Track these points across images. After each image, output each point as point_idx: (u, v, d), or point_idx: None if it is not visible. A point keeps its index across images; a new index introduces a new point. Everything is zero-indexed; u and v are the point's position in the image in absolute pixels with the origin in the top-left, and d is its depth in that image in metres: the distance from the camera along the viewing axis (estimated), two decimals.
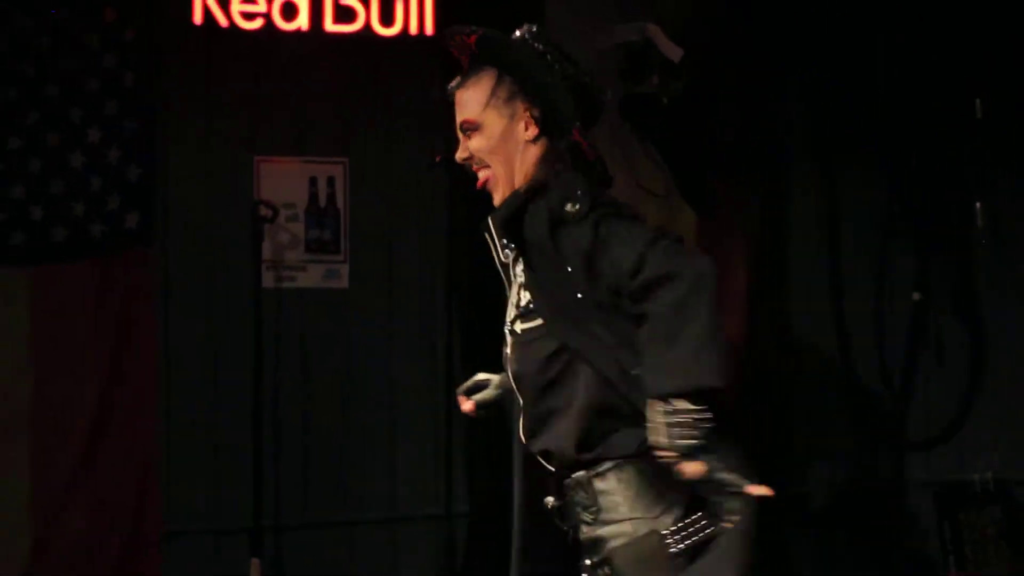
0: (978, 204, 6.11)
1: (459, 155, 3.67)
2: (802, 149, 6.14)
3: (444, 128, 5.23)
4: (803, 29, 6.07)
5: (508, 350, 3.66)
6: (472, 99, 3.62)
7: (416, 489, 5.63)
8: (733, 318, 5.76)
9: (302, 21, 5.42)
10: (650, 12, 5.72)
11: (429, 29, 5.50)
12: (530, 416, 3.56)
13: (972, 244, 6.28)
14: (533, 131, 3.56)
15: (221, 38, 5.37)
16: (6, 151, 5.14)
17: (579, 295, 3.47)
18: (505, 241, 3.65)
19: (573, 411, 3.47)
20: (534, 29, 3.64)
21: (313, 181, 5.54)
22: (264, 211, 5.34)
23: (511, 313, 3.67)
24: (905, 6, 6.10)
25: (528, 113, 3.57)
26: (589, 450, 3.46)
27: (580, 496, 3.51)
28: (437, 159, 5.31)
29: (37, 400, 5.20)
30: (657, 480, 3.43)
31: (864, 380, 6.21)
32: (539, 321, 3.56)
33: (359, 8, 5.47)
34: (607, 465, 3.45)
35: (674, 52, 5.64)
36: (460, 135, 3.64)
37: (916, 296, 6.23)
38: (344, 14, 5.47)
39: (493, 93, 3.60)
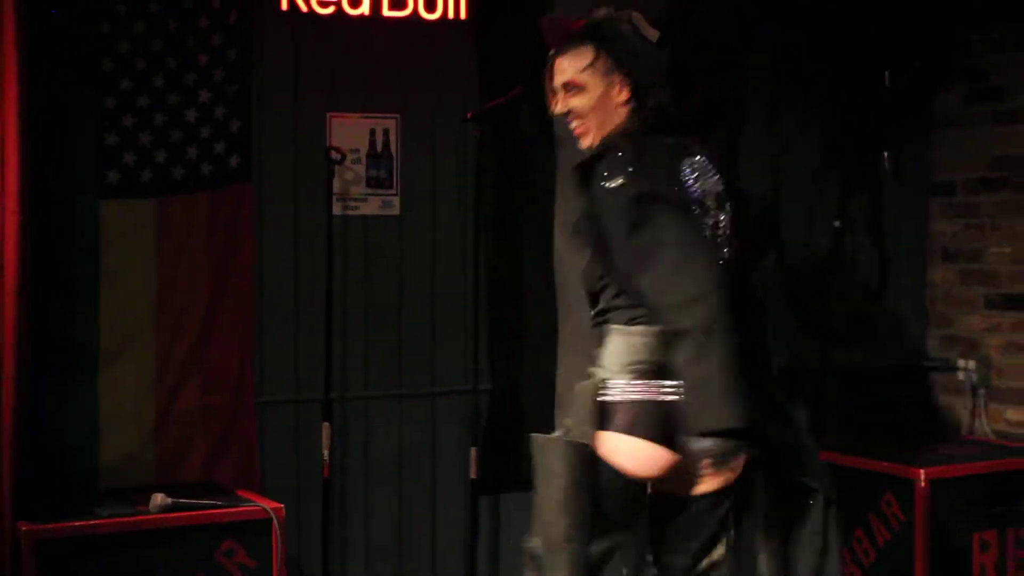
0: (884, 153, 6.30)
1: (558, 109, 3.82)
2: (755, 109, 6.23)
3: (474, 92, 5.24)
4: (758, 15, 6.15)
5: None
6: (575, 66, 3.76)
7: (451, 369, 5.76)
8: None
9: (365, 8, 5.48)
10: (633, 2, 5.82)
11: (463, 15, 5.55)
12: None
13: (880, 183, 6.44)
14: (626, 95, 3.76)
15: (302, 21, 5.42)
16: (137, 108, 5.19)
17: None
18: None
19: None
20: (616, 13, 3.87)
21: (372, 132, 5.60)
22: (334, 155, 5.43)
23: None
24: (836, 8, 6.24)
25: (623, 81, 3.76)
26: None
27: None
28: (469, 115, 5.42)
29: (160, 302, 5.27)
30: None
31: (797, 286, 6.33)
32: None
33: None
34: None
35: (652, 33, 5.58)
36: (560, 92, 3.80)
37: (836, 223, 6.32)
38: (397, 2, 5.53)
39: (594, 63, 3.75)
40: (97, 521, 4.66)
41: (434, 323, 5.76)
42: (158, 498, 4.73)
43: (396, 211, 5.69)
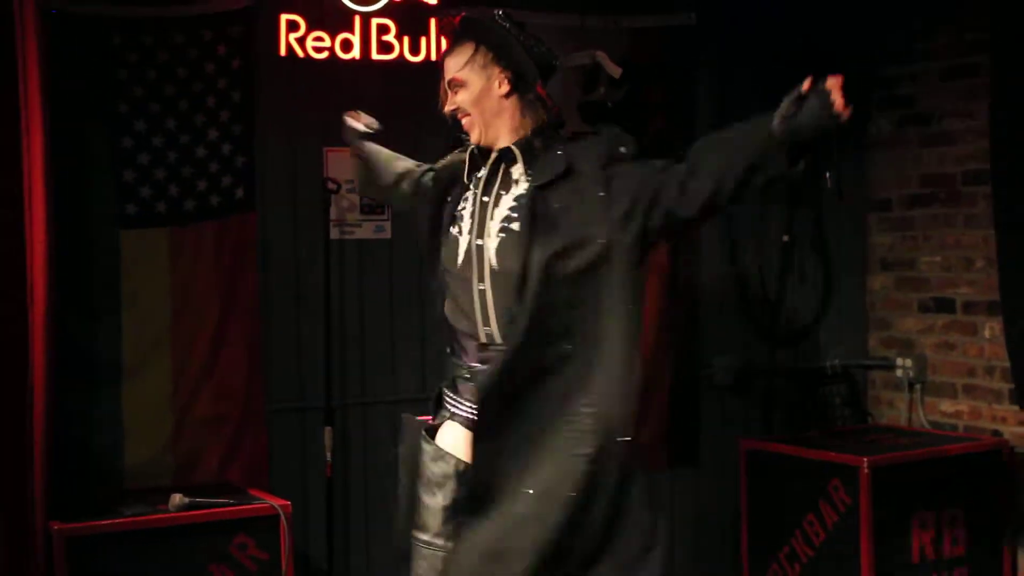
0: (828, 173, 6.12)
1: (447, 108, 3.65)
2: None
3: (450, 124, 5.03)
4: (710, 55, 6.16)
5: (492, 243, 3.52)
6: (457, 64, 3.58)
7: (439, 376, 5.51)
8: (658, 253, 5.77)
9: (355, 53, 5.43)
10: (599, 43, 5.78)
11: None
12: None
13: (823, 201, 6.41)
14: (506, 88, 3.53)
15: (299, 65, 5.38)
16: (152, 147, 5.14)
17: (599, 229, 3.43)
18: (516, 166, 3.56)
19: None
20: (501, 12, 3.61)
21: None
22: (331, 185, 5.36)
23: (500, 215, 3.55)
24: (776, 48, 6.18)
25: (502, 75, 3.50)
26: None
27: None
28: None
29: (175, 321, 5.21)
30: None
31: (750, 296, 6.33)
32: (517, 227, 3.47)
33: (395, 43, 5.48)
34: None
35: (615, 70, 5.71)
36: (448, 91, 3.58)
37: (785, 238, 6.35)
38: (385, 47, 5.47)
39: (472, 59, 3.56)
40: (122, 520, 4.61)
41: (423, 336, 5.66)
42: (176, 498, 4.69)
43: (388, 235, 5.63)
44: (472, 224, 3.61)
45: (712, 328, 6.24)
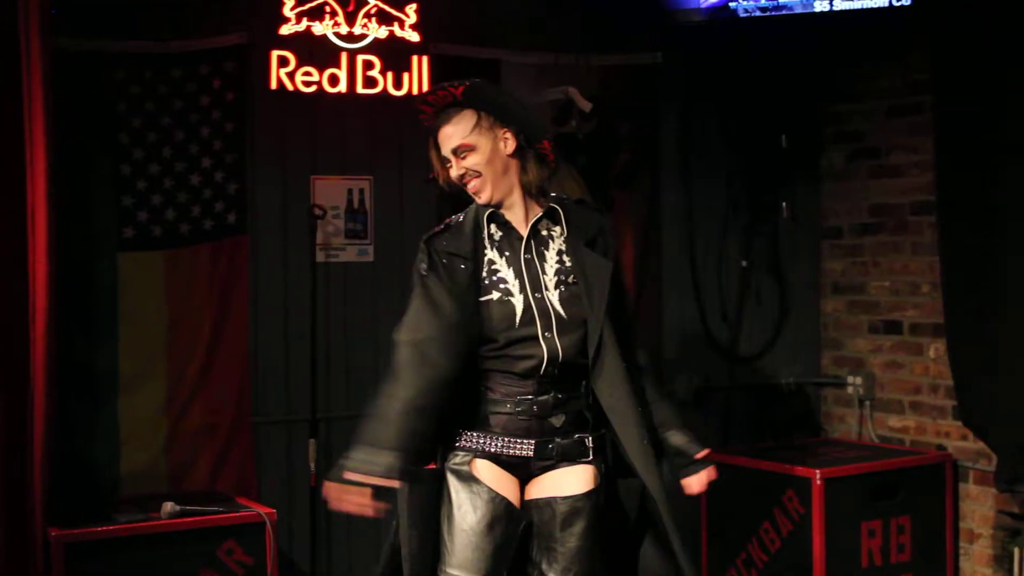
0: (784, 202, 6.35)
1: (455, 173, 3.63)
2: (671, 167, 6.25)
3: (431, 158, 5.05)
4: (673, 92, 6.23)
5: (553, 296, 3.61)
6: (463, 131, 3.57)
7: None
8: (627, 277, 5.76)
9: (342, 87, 5.50)
10: (571, 80, 5.87)
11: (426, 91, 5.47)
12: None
13: (779, 228, 6.50)
14: (512, 146, 3.56)
15: (288, 99, 5.44)
16: (149, 174, 5.22)
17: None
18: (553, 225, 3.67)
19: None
20: (485, 81, 3.63)
21: (350, 191, 5.58)
22: (317, 211, 5.44)
23: (551, 270, 3.64)
24: (736, 86, 6.31)
25: (506, 134, 3.54)
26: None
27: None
28: (431, 176, 5.36)
29: (169, 338, 5.27)
30: None
31: (710, 317, 6.38)
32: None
33: (379, 78, 5.56)
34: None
35: (585, 105, 5.82)
36: (452, 158, 3.59)
37: (744, 263, 6.41)
38: (369, 82, 5.54)
39: (478, 124, 3.56)
40: (117, 526, 4.67)
41: None
42: (168, 505, 4.75)
43: (371, 258, 5.66)
44: (522, 283, 3.62)
45: (673, 347, 6.28)
